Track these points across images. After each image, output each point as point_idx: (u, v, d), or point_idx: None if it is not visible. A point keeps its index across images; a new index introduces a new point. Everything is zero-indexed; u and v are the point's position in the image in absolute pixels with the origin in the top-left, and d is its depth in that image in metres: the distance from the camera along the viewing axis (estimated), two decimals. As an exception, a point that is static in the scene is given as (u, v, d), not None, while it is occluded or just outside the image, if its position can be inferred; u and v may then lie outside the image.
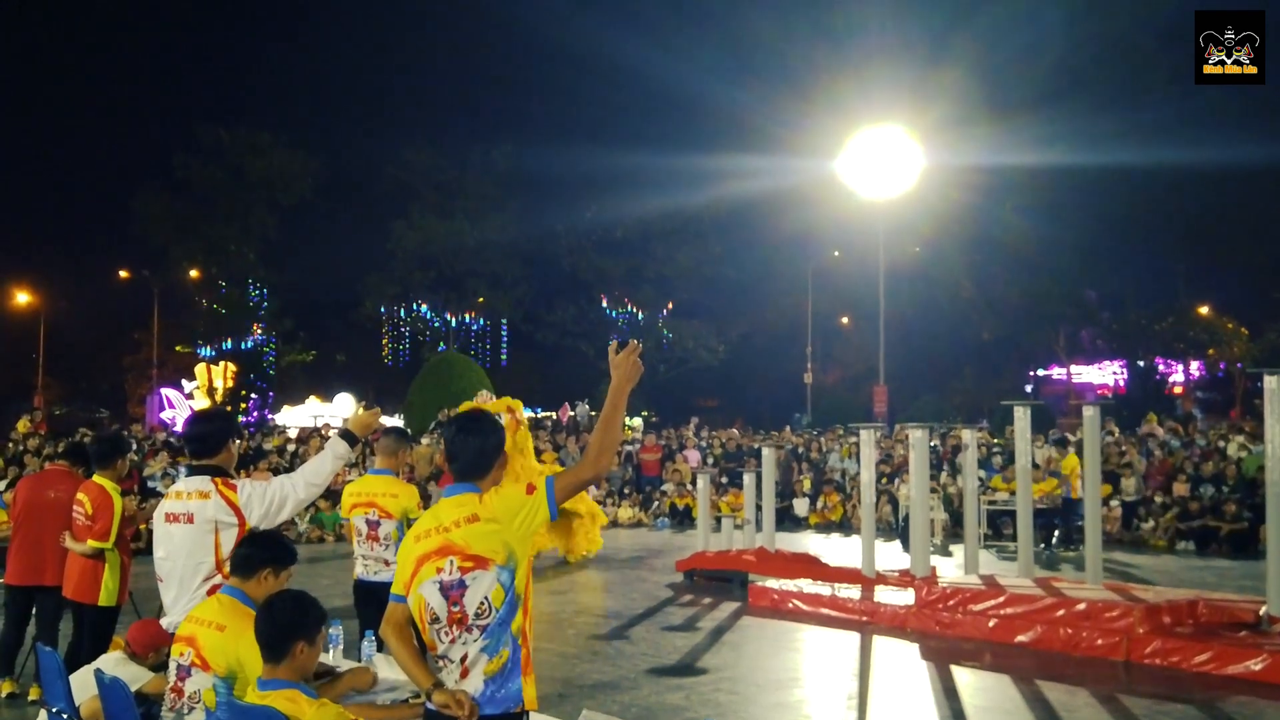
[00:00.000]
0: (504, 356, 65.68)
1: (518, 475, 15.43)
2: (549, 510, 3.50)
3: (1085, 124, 33.65)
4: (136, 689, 4.96)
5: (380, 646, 4.97)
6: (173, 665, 4.30)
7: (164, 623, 4.91)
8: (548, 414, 46.29)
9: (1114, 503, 19.64)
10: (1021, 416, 12.28)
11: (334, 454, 5.08)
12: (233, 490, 4.77)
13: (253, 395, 46.92)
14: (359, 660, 5.27)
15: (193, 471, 4.91)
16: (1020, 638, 10.00)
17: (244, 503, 4.76)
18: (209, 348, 46.48)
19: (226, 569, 4.64)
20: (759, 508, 15.69)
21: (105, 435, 12.46)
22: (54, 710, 4.93)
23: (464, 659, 3.42)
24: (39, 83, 79.15)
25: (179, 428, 34.25)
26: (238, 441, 5.15)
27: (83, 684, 5.01)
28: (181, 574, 4.76)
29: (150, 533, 5.10)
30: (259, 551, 4.41)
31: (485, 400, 15.61)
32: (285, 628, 3.82)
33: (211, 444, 4.92)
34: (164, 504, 4.93)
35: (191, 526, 4.73)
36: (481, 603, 3.41)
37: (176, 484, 5.06)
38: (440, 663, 3.47)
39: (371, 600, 6.44)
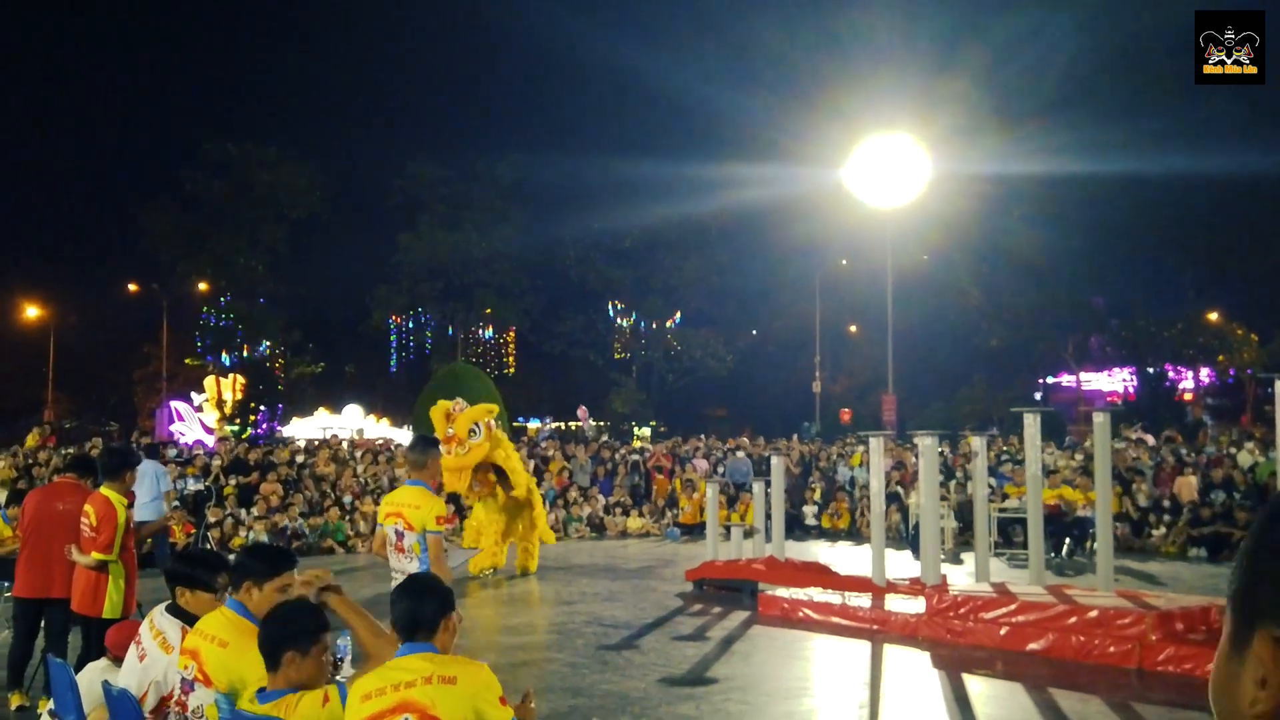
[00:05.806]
0: (512, 368, 65.74)
1: (507, 459, 15.38)
2: None
3: (1093, 132, 33.65)
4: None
5: None
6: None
7: None
8: (557, 424, 46.31)
9: (1127, 518, 19.50)
10: (1031, 424, 12.20)
11: None
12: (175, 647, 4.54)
13: (261, 407, 47.05)
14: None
15: (173, 611, 4.80)
16: (1032, 645, 9.93)
17: (145, 658, 4.61)
18: (217, 360, 46.61)
19: None
20: (768, 516, 15.63)
21: (115, 447, 12.46)
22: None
23: None
24: (48, 99, 79.73)
25: (187, 441, 34.32)
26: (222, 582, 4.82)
27: (84, 693, 4.99)
28: None
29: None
30: (249, 562, 4.52)
31: (459, 408, 14.87)
32: (275, 638, 3.85)
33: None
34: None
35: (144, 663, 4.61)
36: None
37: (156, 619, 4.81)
38: None
39: None
